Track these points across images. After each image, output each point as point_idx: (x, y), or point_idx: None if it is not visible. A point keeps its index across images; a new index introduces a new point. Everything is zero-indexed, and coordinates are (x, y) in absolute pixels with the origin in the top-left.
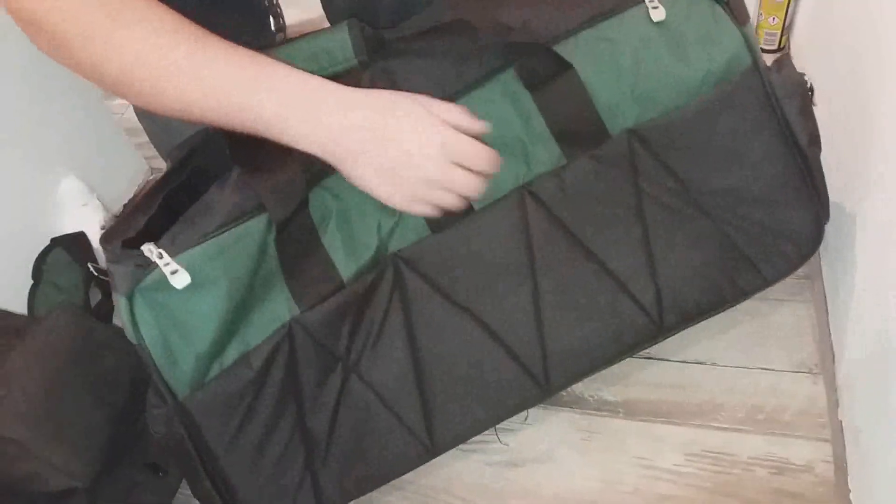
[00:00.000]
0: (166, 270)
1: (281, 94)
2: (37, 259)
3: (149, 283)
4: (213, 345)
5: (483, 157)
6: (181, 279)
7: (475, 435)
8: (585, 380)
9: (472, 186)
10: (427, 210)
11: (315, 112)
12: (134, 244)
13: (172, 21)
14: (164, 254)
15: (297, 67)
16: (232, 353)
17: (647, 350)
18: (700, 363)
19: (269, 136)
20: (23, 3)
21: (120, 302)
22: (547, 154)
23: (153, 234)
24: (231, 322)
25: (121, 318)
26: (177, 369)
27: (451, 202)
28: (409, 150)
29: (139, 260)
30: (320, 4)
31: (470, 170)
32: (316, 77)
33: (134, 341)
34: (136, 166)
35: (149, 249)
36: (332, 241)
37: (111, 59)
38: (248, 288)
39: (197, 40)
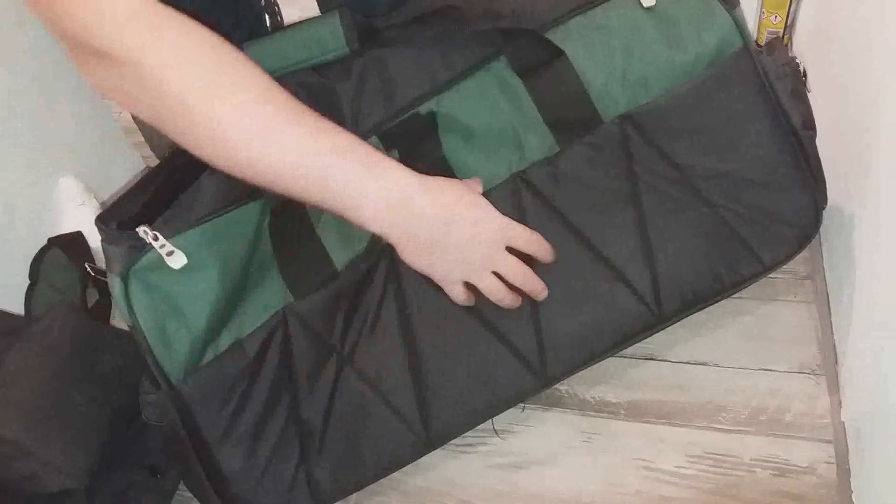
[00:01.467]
0: (162, 252)
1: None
2: (34, 259)
3: (143, 265)
4: (208, 328)
5: (537, 242)
6: (177, 260)
7: (472, 427)
8: (587, 381)
9: (521, 273)
10: (463, 296)
11: (393, 206)
12: (130, 226)
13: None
14: (159, 235)
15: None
16: (226, 339)
17: (649, 351)
18: (702, 364)
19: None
20: (124, 43)
21: (114, 283)
22: (540, 142)
23: (149, 217)
24: (225, 307)
25: (114, 299)
26: (171, 352)
27: (498, 291)
28: (466, 235)
29: (134, 241)
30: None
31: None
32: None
33: (128, 323)
34: (133, 166)
35: (143, 231)
36: (326, 231)
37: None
38: (242, 273)
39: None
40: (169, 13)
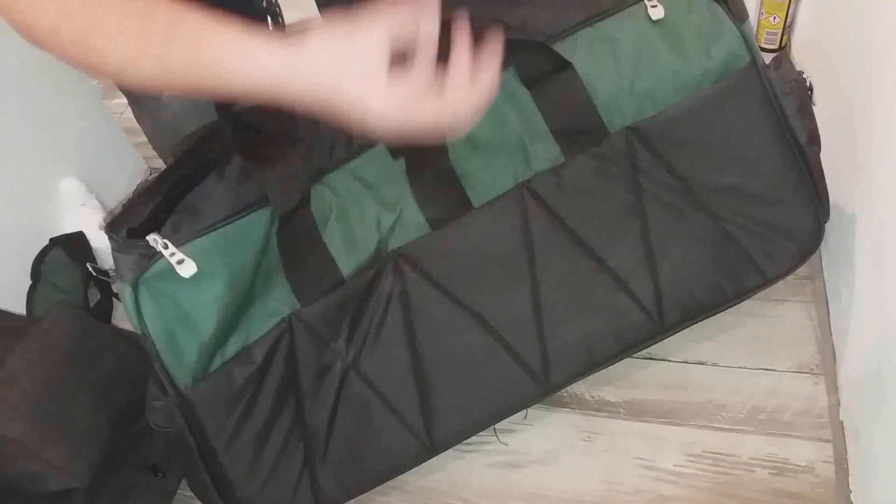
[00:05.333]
0: (172, 260)
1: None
2: (35, 259)
3: (153, 273)
4: (216, 335)
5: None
6: (188, 268)
7: (475, 433)
8: (587, 380)
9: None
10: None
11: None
12: (138, 234)
13: None
14: (169, 244)
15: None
16: (233, 345)
17: (648, 350)
18: (701, 363)
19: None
20: None
21: (124, 291)
22: (546, 152)
23: (157, 224)
24: (233, 314)
25: (125, 306)
26: (179, 359)
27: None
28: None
29: (144, 250)
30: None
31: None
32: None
33: (138, 330)
34: (134, 166)
35: (153, 239)
36: (332, 237)
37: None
38: (249, 280)
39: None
40: None
